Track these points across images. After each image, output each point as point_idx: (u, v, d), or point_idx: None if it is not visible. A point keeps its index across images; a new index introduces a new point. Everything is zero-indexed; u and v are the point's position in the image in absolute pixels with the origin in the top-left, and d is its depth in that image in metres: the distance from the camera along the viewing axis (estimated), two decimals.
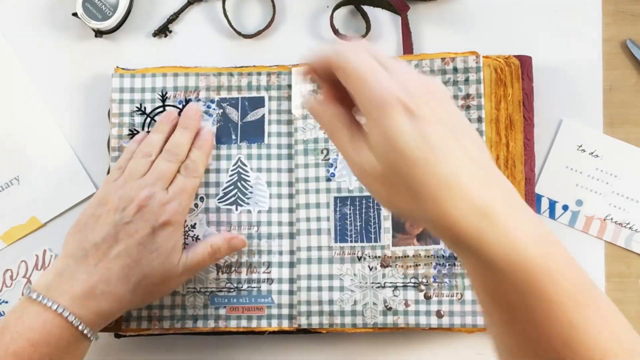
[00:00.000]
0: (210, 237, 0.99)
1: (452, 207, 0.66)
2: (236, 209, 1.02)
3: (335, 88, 0.74)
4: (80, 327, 0.89)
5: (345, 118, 0.73)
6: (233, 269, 1.01)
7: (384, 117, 0.68)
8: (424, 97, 0.68)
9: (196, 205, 1.02)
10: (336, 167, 1.01)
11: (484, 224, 0.66)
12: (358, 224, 1.00)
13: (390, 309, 0.98)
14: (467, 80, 0.99)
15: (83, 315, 0.89)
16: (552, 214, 1.04)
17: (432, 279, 0.99)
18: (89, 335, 0.90)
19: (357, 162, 0.71)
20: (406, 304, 0.99)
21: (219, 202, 1.02)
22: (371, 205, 1.00)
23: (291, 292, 1.01)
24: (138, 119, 1.03)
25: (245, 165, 1.02)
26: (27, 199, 1.06)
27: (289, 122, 1.03)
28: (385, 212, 1.00)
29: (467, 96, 0.99)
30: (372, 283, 0.99)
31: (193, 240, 1.01)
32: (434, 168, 0.66)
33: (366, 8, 1.07)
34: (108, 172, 1.03)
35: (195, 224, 1.02)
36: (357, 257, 1.00)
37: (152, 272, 0.92)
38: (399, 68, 0.70)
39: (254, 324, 1.00)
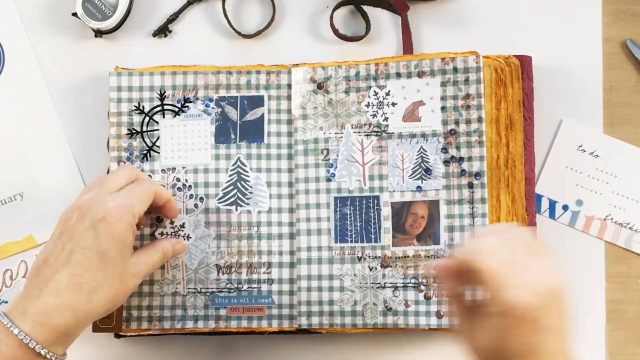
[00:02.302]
0: (160, 240, 0.97)
1: None
2: (236, 209, 1.02)
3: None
4: (36, 349, 0.85)
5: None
6: (233, 269, 1.01)
7: (511, 322, 0.78)
8: (545, 303, 0.78)
9: (196, 205, 1.02)
10: (336, 167, 1.01)
11: None
12: (358, 224, 1.00)
13: (390, 309, 0.98)
14: (467, 80, 0.99)
15: (39, 334, 0.85)
16: (552, 214, 1.04)
17: (432, 280, 0.99)
18: (48, 356, 0.86)
19: (470, 335, 0.83)
20: (406, 305, 0.99)
21: (218, 203, 1.02)
22: (371, 205, 1.00)
23: (291, 293, 1.01)
24: (136, 118, 1.03)
25: (245, 165, 1.02)
26: (27, 217, 1.06)
27: (289, 122, 1.03)
28: (385, 213, 1.00)
29: (467, 96, 0.99)
30: (372, 283, 0.99)
31: (185, 239, 1.01)
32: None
33: (366, 8, 1.06)
34: (108, 172, 1.03)
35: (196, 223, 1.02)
36: (357, 257, 1.00)
37: (106, 276, 0.88)
38: (532, 262, 0.80)
39: (254, 324, 1.00)
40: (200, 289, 1.01)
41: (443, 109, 1.00)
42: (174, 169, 1.02)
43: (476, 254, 0.80)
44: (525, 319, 0.77)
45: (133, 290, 0.93)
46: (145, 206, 0.93)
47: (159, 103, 1.03)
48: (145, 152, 1.02)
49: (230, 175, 1.02)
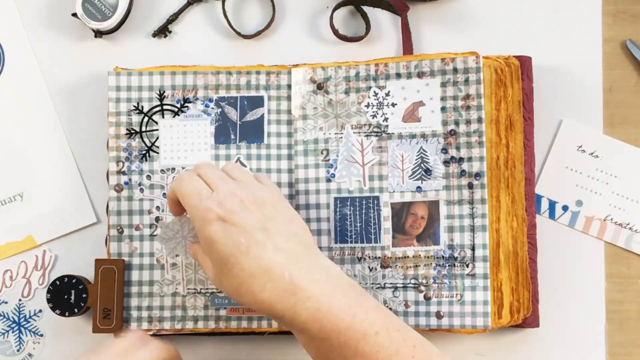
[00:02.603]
0: None
1: (263, 293, 0.83)
2: None
3: None
4: None
5: None
6: None
7: (205, 227, 0.85)
8: (236, 208, 0.85)
9: None
10: (336, 167, 1.01)
11: (295, 301, 0.82)
12: (358, 224, 1.00)
13: (390, 309, 0.98)
14: (467, 81, 0.99)
15: None
16: (552, 214, 1.04)
17: (431, 280, 0.99)
18: None
19: (202, 265, 0.90)
20: (406, 305, 0.99)
21: None
22: (371, 205, 1.00)
23: None
24: (135, 118, 1.03)
25: (245, 166, 1.02)
26: (27, 218, 1.06)
27: (289, 122, 1.03)
28: (385, 213, 1.00)
29: (467, 97, 0.99)
30: (372, 284, 0.99)
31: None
32: (242, 263, 0.83)
33: (366, 8, 1.06)
34: (108, 173, 1.03)
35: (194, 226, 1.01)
36: (357, 257, 1.00)
37: None
38: (224, 186, 0.87)
39: (254, 324, 1.00)
40: (200, 289, 1.01)
41: (443, 109, 1.00)
42: (173, 169, 1.02)
43: (175, 184, 0.90)
44: (213, 221, 0.85)
45: None
46: None
47: (158, 103, 1.03)
48: (144, 152, 1.02)
49: None
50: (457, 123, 0.99)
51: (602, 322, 1.03)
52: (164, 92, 1.03)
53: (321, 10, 1.08)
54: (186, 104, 1.03)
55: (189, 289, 1.01)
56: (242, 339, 1.04)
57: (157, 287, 1.01)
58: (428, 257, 0.99)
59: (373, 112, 1.01)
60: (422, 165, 1.00)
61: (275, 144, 1.02)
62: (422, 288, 0.99)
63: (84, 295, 1.00)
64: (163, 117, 1.03)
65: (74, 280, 1.00)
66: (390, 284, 0.99)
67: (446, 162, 0.99)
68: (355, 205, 1.01)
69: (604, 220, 1.03)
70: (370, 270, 1.00)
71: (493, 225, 0.99)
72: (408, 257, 0.99)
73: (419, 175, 1.00)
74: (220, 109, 1.03)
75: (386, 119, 1.01)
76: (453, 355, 1.03)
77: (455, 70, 0.99)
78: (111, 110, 1.03)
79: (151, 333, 1.01)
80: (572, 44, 1.06)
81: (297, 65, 1.03)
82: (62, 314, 1.00)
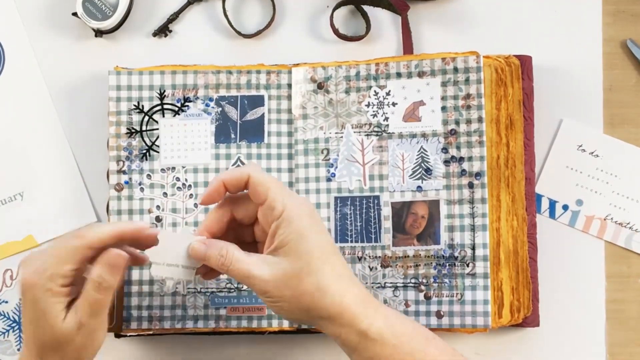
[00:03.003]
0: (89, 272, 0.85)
1: (348, 294, 0.84)
2: None
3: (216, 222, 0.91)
4: None
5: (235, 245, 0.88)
6: None
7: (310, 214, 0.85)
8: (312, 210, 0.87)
9: (195, 205, 1.02)
10: (336, 167, 1.01)
11: (373, 307, 0.85)
12: (358, 224, 1.00)
13: None
14: (467, 80, 0.99)
15: None
16: (552, 214, 1.04)
17: (432, 279, 0.99)
18: None
19: (260, 270, 0.85)
20: (406, 304, 0.99)
21: None
22: (371, 205, 1.00)
23: None
24: (136, 117, 1.03)
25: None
26: (28, 217, 1.06)
27: (289, 122, 1.03)
28: (385, 213, 1.00)
29: (468, 96, 0.99)
30: (372, 283, 0.99)
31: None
32: (333, 263, 0.85)
33: (366, 8, 1.06)
34: (108, 172, 1.03)
35: (197, 222, 1.02)
36: (358, 257, 1.00)
37: (45, 349, 0.85)
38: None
39: (254, 324, 1.00)
40: (200, 288, 1.01)
41: (443, 108, 1.00)
42: (173, 168, 1.02)
43: (252, 168, 0.87)
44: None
45: (90, 344, 0.86)
46: (68, 263, 0.83)
47: (159, 102, 1.03)
48: (144, 151, 1.02)
49: None
50: (457, 122, 0.99)
51: (602, 322, 1.03)
52: (164, 91, 1.03)
53: (321, 10, 1.08)
54: (186, 103, 1.03)
55: (189, 288, 1.01)
56: (242, 338, 1.04)
57: (157, 287, 1.01)
58: (428, 256, 0.99)
59: (373, 111, 1.01)
60: (422, 164, 1.00)
61: (275, 143, 1.02)
62: (423, 287, 0.99)
63: None
64: (163, 116, 1.03)
65: None
66: (391, 283, 0.99)
67: (446, 162, 0.99)
68: (355, 205, 1.01)
69: (604, 219, 1.03)
70: (371, 269, 1.00)
71: (493, 224, 0.99)
72: (408, 256, 0.99)
73: (419, 175, 1.00)
74: (220, 108, 1.03)
75: (386, 119, 1.01)
76: None
77: (455, 69, 1.00)
78: (111, 110, 1.03)
79: (151, 332, 1.01)
80: (572, 44, 1.06)
81: (297, 64, 1.03)
82: None
